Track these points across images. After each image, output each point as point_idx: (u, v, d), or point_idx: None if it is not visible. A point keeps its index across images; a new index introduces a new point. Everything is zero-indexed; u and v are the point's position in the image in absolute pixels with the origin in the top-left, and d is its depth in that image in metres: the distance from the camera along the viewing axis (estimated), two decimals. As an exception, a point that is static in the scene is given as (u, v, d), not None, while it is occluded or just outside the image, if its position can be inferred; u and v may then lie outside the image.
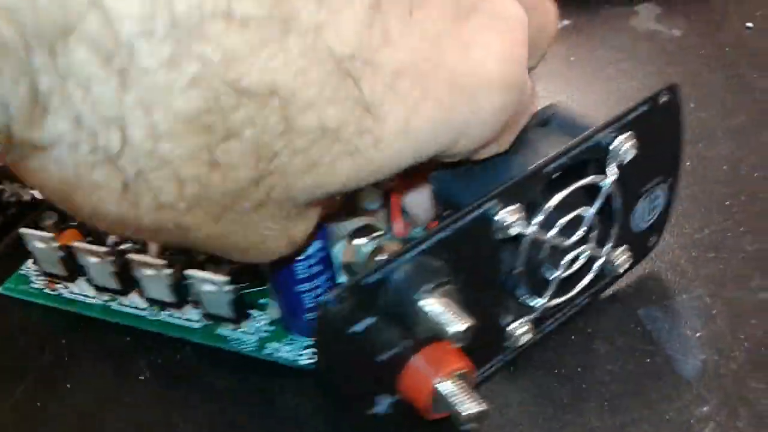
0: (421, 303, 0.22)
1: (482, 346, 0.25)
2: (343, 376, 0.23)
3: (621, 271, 0.29)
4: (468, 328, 0.22)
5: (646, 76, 0.42)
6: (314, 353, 0.28)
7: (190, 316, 0.30)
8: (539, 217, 0.25)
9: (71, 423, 0.28)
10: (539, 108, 0.27)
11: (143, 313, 0.31)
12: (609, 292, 0.31)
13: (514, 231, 0.24)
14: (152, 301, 0.31)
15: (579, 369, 0.29)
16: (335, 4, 0.17)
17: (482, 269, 0.25)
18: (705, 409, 0.27)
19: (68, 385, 0.29)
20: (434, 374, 0.23)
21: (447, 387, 0.23)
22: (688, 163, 0.37)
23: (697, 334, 0.30)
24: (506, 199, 0.23)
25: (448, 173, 0.26)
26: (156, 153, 0.17)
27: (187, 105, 0.16)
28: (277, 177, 0.18)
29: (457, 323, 0.22)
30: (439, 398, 0.23)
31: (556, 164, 0.24)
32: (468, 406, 0.22)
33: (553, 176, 0.24)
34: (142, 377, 0.29)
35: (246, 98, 0.16)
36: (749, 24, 0.46)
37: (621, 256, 0.28)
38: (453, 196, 0.25)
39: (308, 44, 0.17)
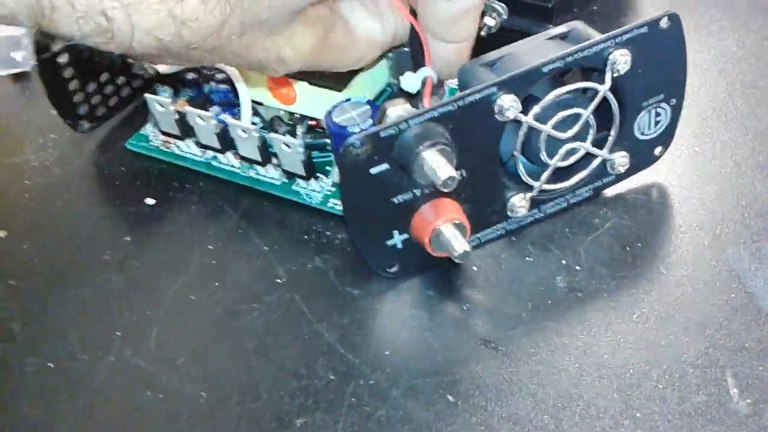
0: (423, 155, 0.28)
1: (486, 213, 0.32)
2: (363, 209, 0.30)
3: (621, 171, 0.33)
4: (452, 177, 0.28)
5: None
6: (338, 187, 0.34)
7: (273, 175, 0.37)
8: (537, 108, 0.30)
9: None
10: (562, 25, 0.32)
11: (236, 170, 0.37)
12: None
13: (510, 115, 0.29)
14: (244, 159, 0.37)
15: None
16: None
17: (486, 148, 0.30)
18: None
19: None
20: (436, 219, 0.30)
21: (445, 230, 0.29)
22: None
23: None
24: (505, 88, 0.29)
25: (472, 68, 0.31)
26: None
27: None
28: (238, 12, 0.26)
29: (445, 171, 0.28)
30: (437, 238, 0.30)
31: (552, 66, 0.29)
32: (457, 246, 0.29)
33: (549, 75, 0.30)
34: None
35: None
36: None
37: (620, 159, 0.33)
38: (471, 85, 0.30)
39: None
